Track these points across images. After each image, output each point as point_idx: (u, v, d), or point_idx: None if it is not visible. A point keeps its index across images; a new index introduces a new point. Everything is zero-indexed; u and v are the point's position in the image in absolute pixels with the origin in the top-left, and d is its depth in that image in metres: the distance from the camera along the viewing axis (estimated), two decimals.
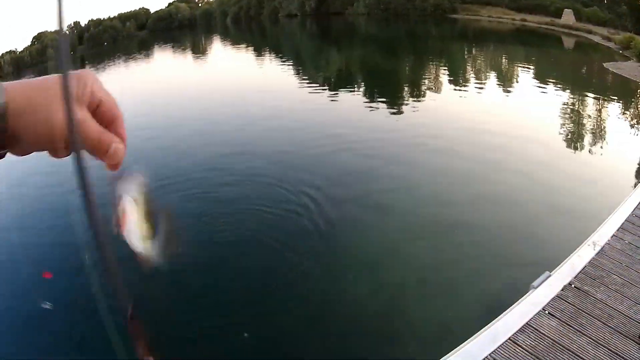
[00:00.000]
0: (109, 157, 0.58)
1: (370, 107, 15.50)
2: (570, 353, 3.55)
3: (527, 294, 4.18)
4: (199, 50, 31.99)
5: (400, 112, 14.98)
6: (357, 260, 6.42)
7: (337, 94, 17.34)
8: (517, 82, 20.09)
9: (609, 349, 3.63)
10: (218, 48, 33.51)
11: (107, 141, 0.57)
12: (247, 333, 5.05)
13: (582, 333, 3.78)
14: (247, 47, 31.81)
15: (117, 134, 0.60)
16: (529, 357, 3.46)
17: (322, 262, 6.33)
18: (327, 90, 18.05)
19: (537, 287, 4.22)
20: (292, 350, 4.90)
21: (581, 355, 3.54)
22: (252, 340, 4.96)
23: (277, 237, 6.94)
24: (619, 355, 3.58)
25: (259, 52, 29.13)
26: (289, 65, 24.57)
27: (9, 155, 0.56)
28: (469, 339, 3.58)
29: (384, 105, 15.61)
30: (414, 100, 16.60)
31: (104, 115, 0.59)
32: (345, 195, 8.29)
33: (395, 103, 15.94)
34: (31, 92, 0.53)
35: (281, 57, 26.92)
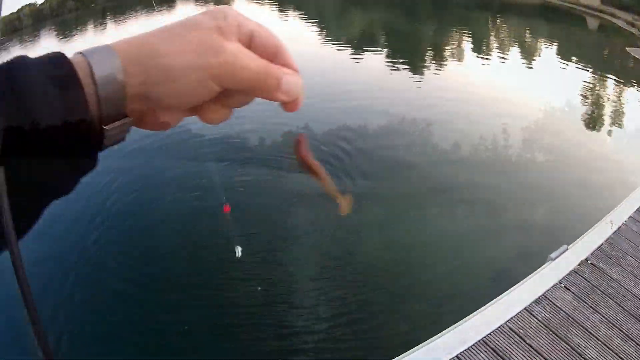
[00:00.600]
0: (283, 92, 0.45)
1: (393, 66, 15.18)
2: (584, 329, 3.50)
3: (544, 265, 4.12)
4: (220, 2, 31.19)
5: (422, 74, 14.73)
6: (371, 221, 6.35)
7: (361, 53, 16.92)
8: (539, 56, 19.66)
9: (621, 331, 3.58)
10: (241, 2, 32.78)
11: (275, 73, 0.44)
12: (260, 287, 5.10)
13: (595, 310, 3.73)
14: (270, 3, 31.11)
15: (285, 66, 0.46)
16: (543, 329, 3.42)
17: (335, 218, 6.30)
18: (349, 49, 17.61)
19: (554, 259, 4.15)
20: (304, 301, 4.95)
21: (594, 333, 3.49)
22: (264, 292, 5.01)
23: (291, 186, 6.88)
24: (632, 340, 3.53)
25: (282, 10, 28.48)
26: (312, 23, 23.99)
27: None
28: (484, 306, 3.53)
29: (406, 66, 15.27)
30: (436, 64, 16.31)
31: (262, 49, 0.45)
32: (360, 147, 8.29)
33: (417, 65, 15.63)
34: (156, 37, 0.42)
35: (305, 16, 26.27)
